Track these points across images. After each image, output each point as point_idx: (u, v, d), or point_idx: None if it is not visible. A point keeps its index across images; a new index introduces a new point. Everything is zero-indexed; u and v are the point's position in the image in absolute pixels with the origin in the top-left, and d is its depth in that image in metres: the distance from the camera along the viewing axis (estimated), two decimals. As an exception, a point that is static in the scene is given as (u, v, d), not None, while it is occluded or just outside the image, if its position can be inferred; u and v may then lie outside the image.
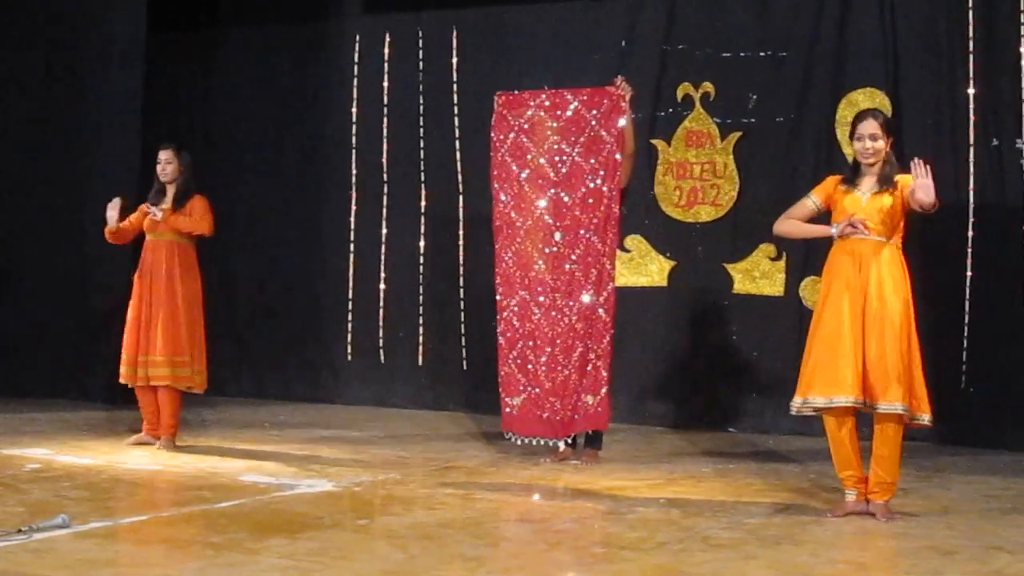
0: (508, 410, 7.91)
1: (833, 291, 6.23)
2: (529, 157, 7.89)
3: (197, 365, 8.30)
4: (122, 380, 8.34)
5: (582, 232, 7.78)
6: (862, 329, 6.11)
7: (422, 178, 10.77)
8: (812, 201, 6.47)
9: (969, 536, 5.83)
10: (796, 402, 6.27)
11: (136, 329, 8.23)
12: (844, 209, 6.23)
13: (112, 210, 8.27)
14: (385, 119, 10.91)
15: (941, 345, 8.42)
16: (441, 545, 5.48)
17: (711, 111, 9.73)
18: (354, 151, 11.06)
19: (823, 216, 6.46)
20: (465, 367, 10.59)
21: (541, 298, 7.83)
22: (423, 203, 10.77)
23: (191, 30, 11.66)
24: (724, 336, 9.68)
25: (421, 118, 10.77)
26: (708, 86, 9.71)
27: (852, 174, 6.36)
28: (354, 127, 11.04)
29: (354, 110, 11.04)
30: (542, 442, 7.85)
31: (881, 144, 6.23)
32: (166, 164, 8.33)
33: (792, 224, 6.56)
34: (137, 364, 8.20)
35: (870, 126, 6.26)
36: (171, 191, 8.33)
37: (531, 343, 7.85)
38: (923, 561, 5.32)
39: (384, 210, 10.94)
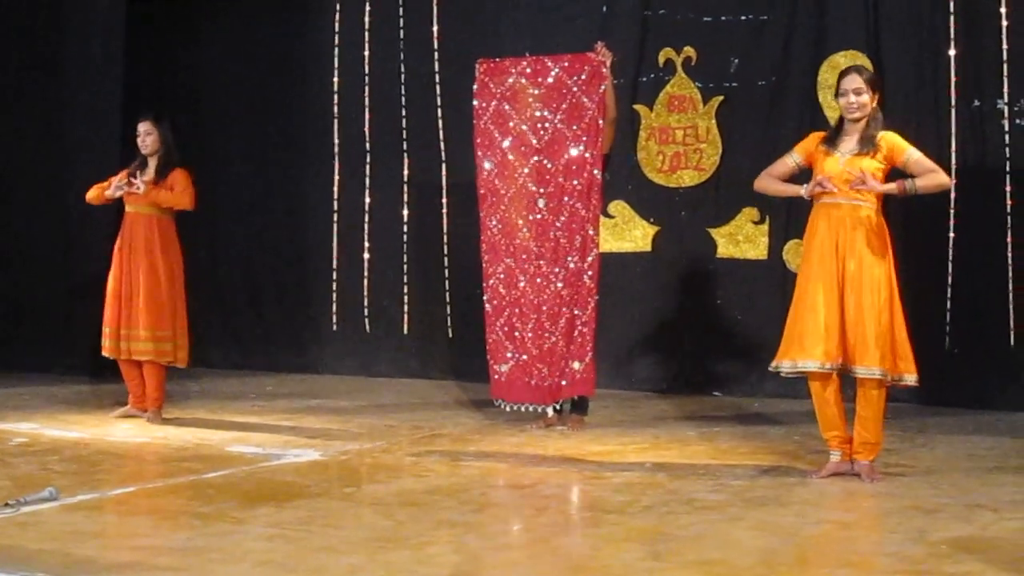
0: (496, 377, 7.94)
1: (811, 257, 6.26)
2: (511, 124, 7.89)
3: (179, 340, 8.30)
4: (105, 353, 8.34)
5: (566, 199, 7.78)
6: (840, 293, 6.14)
7: (405, 147, 10.74)
8: (793, 159, 6.48)
9: (953, 495, 5.87)
10: (771, 366, 6.35)
11: (117, 302, 8.23)
12: (823, 171, 6.24)
13: (117, 191, 8.23)
14: (367, 88, 10.88)
15: (924, 307, 8.45)
16: (428, 512, 5.50)
17: (693, 76, 9.71)
18: (336, 121, 11.02)
19: (804, 174, 6.47)
20: (451, 335, 10.60)
21: (527, 265, 7.85)
22: (406, 172, 10.75)
23: (170, -1, 11.61)
24: (708, 300, 9.70)
25: (403, 87, 10.73)
26: (690, 51, 9.70)
27: (834, 133, 6.36)
28: (336, 97, 11.01)
29: (335, 79, 11.00)
30: (530, 409, 7.88)
31: (866, 99, 6.22)
32: (145, 136, 8.30)
33: (769, 182, 6.58)
34: (120, 337, 8.20)
35: (854, 81, 6.25)
36: (153, 162, 8.30)
37: (517, 310, 7.87)
38: (907, 520, 5.35)
39: (367, 179, 10.92)
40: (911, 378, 6.20)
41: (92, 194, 8.41)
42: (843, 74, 6.39)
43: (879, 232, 6.19)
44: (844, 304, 6.12)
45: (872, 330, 6.05)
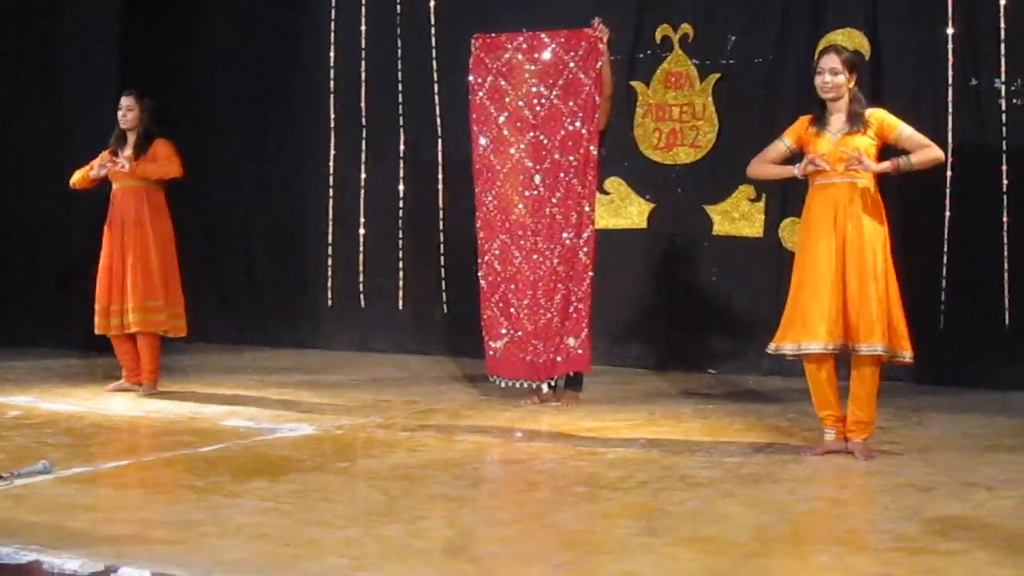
0: (491, 353, 7.95)
1: (809, 237, 6.25)
2: (507, 100, 7.88)
3: (174, 308, 8.30)
4: (97, 331, 8.34)
5: (562, 175, 7.78)
6: (841, 272, 6.13)
7: (401, 122, 10.73)
8: (784, 143, 6.47)
9: (947, 473, 5.87)
10: (770, 348, 6.35)
11: (108, 278, 8.23)
12: (816, 151, 6.24)
13: (101, 170, 8.23)
14: (363, 63, 10.85)
15: (920, 285, 8.44)
16: (422, 486, 5.51)
17: (690, 52, 9.69)
18: (332, 96, 11.00)
19: (796, 157, 6.45)
20: (446, 311, 10.59)
21: (522, 241, 7.85)
22: (402, 147, 10.73)
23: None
24: (704, 278, 9.69)
25: (399, 62, 10.71)
26: (687, 27, 9.67)
27: (821, 113, 6.34)
28: (332, 72, 10.97)
29: (332, 54, 10.97)
30: (525, 384, 7.89)
31: (841, 79, 6.20)
32: (127, 111, 8.28)
33: (762, 167, 6.57)
34: (110, 313, 8.20)
35: (830, 60, 6.24)
36: (132, 138, 8.29)
37: (513, 286, 7.88)
38: (901, 498, 5.36)
39: (363, 155, 10.90)
40: (907, 354, 6.20)
41: (76, 178, 8.41)
42: (821, 53, 6.41)
43: (875, 205, 6.19)
44: (846, 281, 6.11)
45: (875, 307, 6.04)
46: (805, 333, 6.15)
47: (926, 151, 6.24)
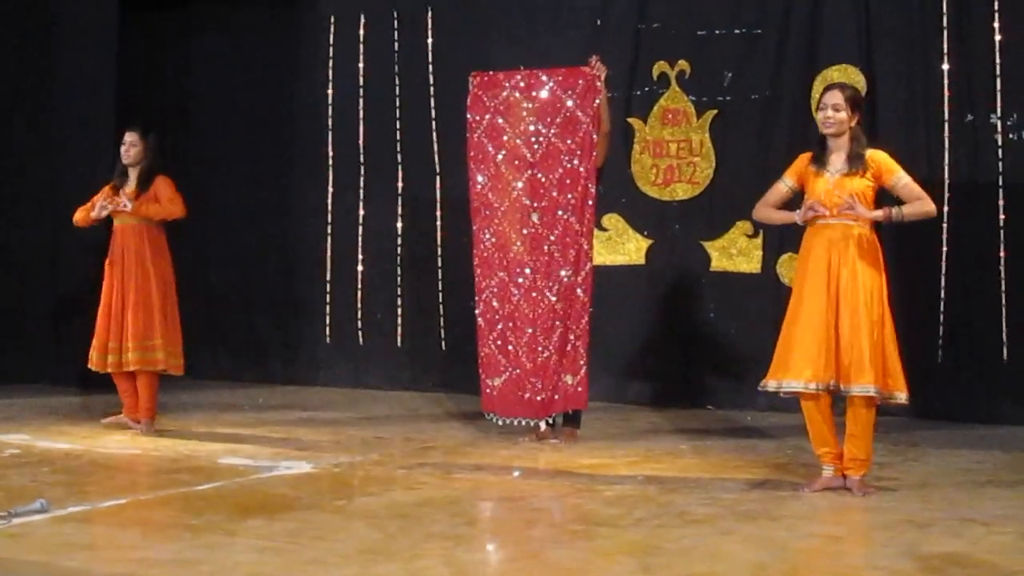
0: (489, 391, 7.91)
1: (804, 277, 6.28)
2: (505, 138, 7.89)
3: (171, 347, 8.26)
4: (91, 366, 8.32)
5: (559, 213, 7.78)
6: (835, 313, 6.15)
7: (399, 159, 10.75)
8: (785, 184, 6.50)
9: (944, 509, 5.87)
10: (761, 384, 6.38)
11: (107, 316, 8.22)
12: (814, 192, 6.27)
13: (102, 211, 8.23)
14: (361, 100, 10.89)
15: (917, 320, 8.46)
16: (419, 524, 5.50)
17: (687, 89, 9.73)
18: (330, 133, 11.03)
19: (798, 197, 6.47)
20: (443, 347, 10.60)
21: (520, 279, 7.84)
22: (400, 184, 10.76)
23: (165, 9, 11.59)
24: (701, 314, 9.70)
25: (397, 99, 10.74)
26: (684, 64, 9.71)
27: (820, 150, 6.37)
28: (330, 109, 11.01)
29: (330, 91, 11.00)
30: (523, 422, 7.87)
31: (843, 116, 6.24)
32: (130, 147, 8.28)
33: (765, 212, 6.62)
34: (108, 351, 8.18)
35: (832, 97, 6.29)
36: (134, 173, 8.29)
37: (511, 324, 7.86)
38: (899, 534, 5.35)
39: (361, 191, 10.92)
40: (901, 396, 6.21)
41: (79, 216, 8.39)
42: (826, 90, 6.45)
43: (872, 250, 6.21)
44: (839, 322, 6.13)
45: (867, 348, 6.06)
46: (787, 372, 6.19)
47: (919, 204, 6.28)
